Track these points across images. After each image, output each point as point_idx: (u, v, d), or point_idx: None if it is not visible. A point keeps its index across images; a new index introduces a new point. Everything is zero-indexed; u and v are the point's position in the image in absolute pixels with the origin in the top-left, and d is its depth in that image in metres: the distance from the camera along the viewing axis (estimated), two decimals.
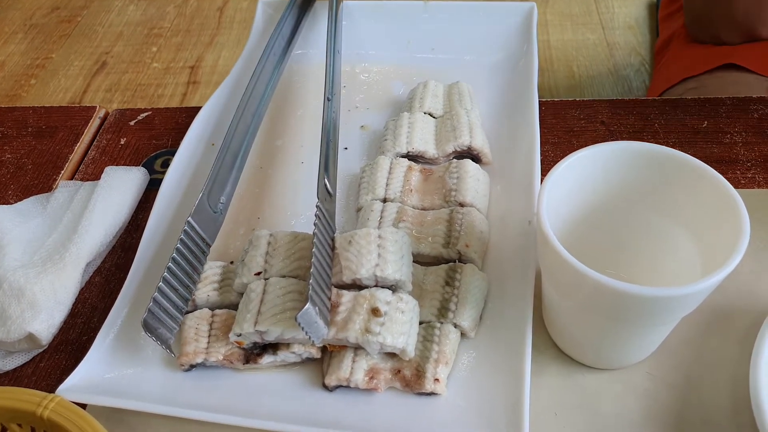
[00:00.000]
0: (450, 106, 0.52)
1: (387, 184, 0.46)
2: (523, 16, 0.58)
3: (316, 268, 0.36)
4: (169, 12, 1.79)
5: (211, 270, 0.42)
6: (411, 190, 0.46)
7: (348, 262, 0.38)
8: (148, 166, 0.55)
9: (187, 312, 0.40)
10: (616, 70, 1.35)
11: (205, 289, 0.41)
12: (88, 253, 0.46)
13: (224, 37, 1.68)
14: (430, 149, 0.49)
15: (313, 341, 0.35)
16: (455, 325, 0.38)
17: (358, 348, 0.37)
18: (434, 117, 0.52)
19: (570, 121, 0.55)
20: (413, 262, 0.41)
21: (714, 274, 0.30)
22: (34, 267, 0.44)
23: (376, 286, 0.38)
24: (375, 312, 0.36)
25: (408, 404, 0.37)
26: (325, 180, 0.42)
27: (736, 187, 0.34)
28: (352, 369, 0.37)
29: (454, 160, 0.48)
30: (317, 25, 0.62)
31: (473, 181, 0.45)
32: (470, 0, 0.61)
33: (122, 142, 0.58)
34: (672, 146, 0.36)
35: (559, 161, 0.35)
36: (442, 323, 0.38)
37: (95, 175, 0.55)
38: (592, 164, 0.36)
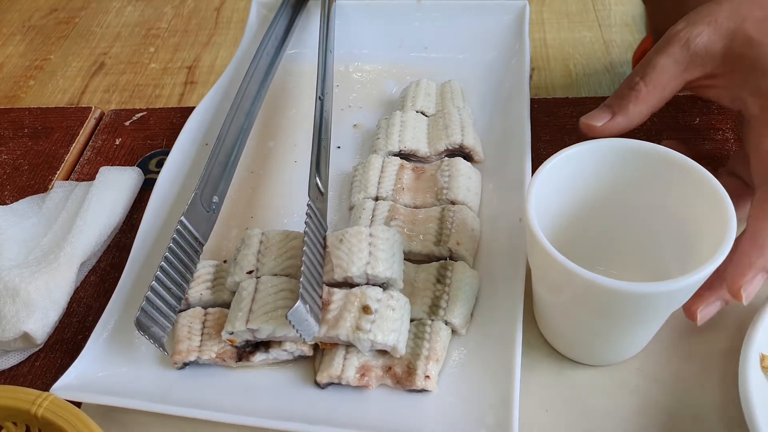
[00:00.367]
0: (442, 104, 0.53)
1: (379, 183, 0.46)
2: (516, 14, 0.58)
3: (307, 267, 0.36)
4: (166, 13, 1.79)
5: (204, 269, 0.42)
6: (403, 189, 0.46)
7: (339, 260, 0.38)
8: (143, 167, 0.55)
9: (180, 311, 0.41)
10: (613, 68, 1.35)
11: (198, 288, 0.41)
12: (83, 252, 0.46)
13: (221, 37, 1.69)
14: (422, 147, 0.49)
15: (304, 339, 0.35)
16: (446, 323, 0.39)
17: (349, 346, 0.38)
18: (426, 115, 0.52)
19: (562, 119, 0.55)
20: (405, 259, 0.42)
21: (700, 270, 0.30)
22: (29, 267, 0.44)
23: (367, 284, 0.39)
24: (366, 310, 0.37)
25: (399, 401, 0.37)
26: (317, 179, 0.42)
27: None
28: (344, 366, 0.37)
29: (446, 158, 0.48)
30: (310, 24, 0.62)
31: (465, 180, 0.46)
32: None
33: (117, 143, 0.58)
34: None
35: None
36: (433, 320, 0.39)
37: (90, 176, 0.55)
38: (581, 161, 0.36)
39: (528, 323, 0.39)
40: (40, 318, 0.42)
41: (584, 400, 0.37)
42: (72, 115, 0.61)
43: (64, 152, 0.58)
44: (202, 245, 0.42)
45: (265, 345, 0.39)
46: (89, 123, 0.61)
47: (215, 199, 0.44)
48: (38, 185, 0.55)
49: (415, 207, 0.46)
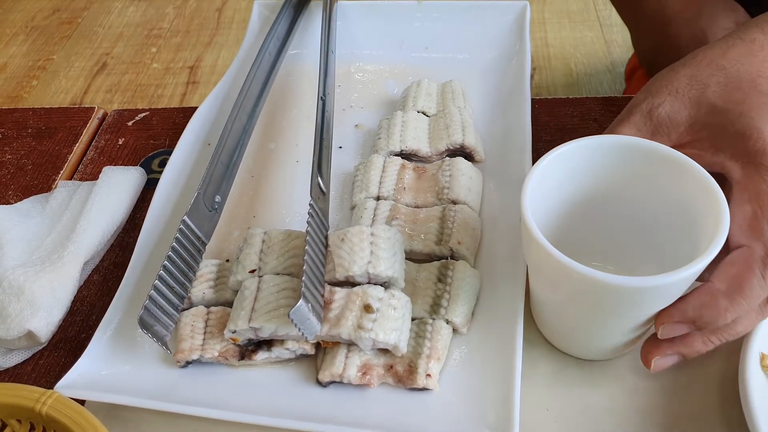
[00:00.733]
0: (443, 104, 0.53)
1: (380, 182, 0.46)
2: (517, 14, 0.58)
3: (309, 266, 0.37)
4: (168, 13, 1.80)
5: (207, 268, 0.43)
6: (404, 188, 0.47)
7: (341, 259, 0.39)
8: (146, 166, 0.55)
9: (183, 309, 0.41)
10: (614, 68, 1.35)
11: (201, 287, 0.42)
12: (87, 251, 0.46)
13: (223, 37, 1.69)
14: (423, 147, 0.49)
15: (306, 337, 0.36)
16: (447, 321, 0.39)
17: (351, 344, 0.38)
18: (427, 115, 0.52)
19: (563, 119, 0.55)
20: (406, 259, 0.42)
21: (694, 264, 0.30)
22: (33, 266, 0.45)
23: (368, 283, 0.39)
24: (367, 309, 0.37)
25: (400, 399, 0.37)
26: (318, 178, 0.43)
27: None
28: (345, 365, 0.37)
29: (447, 158, 0.48)
30: (312, 25, 0.62)
31: (466, 179, 0.46)
32: None
33: (120, 143, 0.58)
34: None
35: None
36: (434, 319, 0.39)
37: (94, 175, 0.55)
38: (576, 158, 0.36)
39: (528, 322, 0.39)
40: (44, 316, 0.43)
41: (584, 399, 0.38)
42: (75, 115, 0.62)
43: (68, 152, 0.58)
44: (204, 244, 0.43)
45: (267, 343, 0.39)
46: (92, 123, 0.61)
47: (218, 198, 0.45)
48: (42, 185, 0.55)
49: (417, 206, 0.46)
